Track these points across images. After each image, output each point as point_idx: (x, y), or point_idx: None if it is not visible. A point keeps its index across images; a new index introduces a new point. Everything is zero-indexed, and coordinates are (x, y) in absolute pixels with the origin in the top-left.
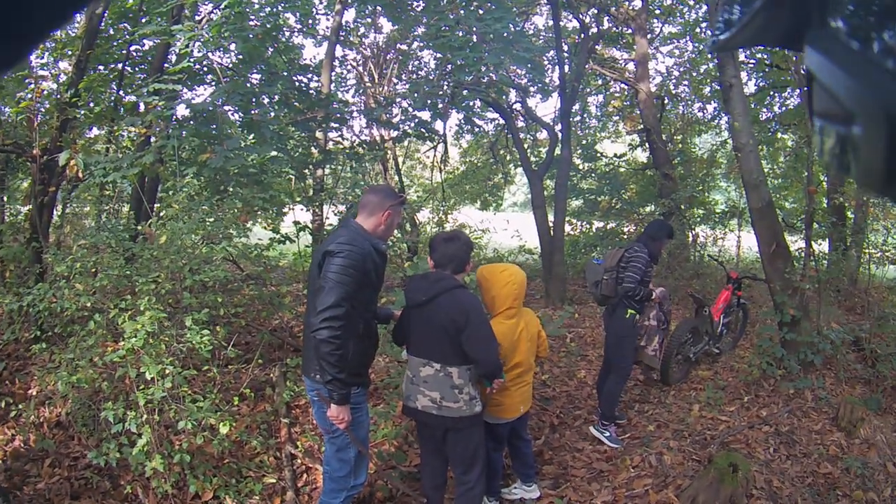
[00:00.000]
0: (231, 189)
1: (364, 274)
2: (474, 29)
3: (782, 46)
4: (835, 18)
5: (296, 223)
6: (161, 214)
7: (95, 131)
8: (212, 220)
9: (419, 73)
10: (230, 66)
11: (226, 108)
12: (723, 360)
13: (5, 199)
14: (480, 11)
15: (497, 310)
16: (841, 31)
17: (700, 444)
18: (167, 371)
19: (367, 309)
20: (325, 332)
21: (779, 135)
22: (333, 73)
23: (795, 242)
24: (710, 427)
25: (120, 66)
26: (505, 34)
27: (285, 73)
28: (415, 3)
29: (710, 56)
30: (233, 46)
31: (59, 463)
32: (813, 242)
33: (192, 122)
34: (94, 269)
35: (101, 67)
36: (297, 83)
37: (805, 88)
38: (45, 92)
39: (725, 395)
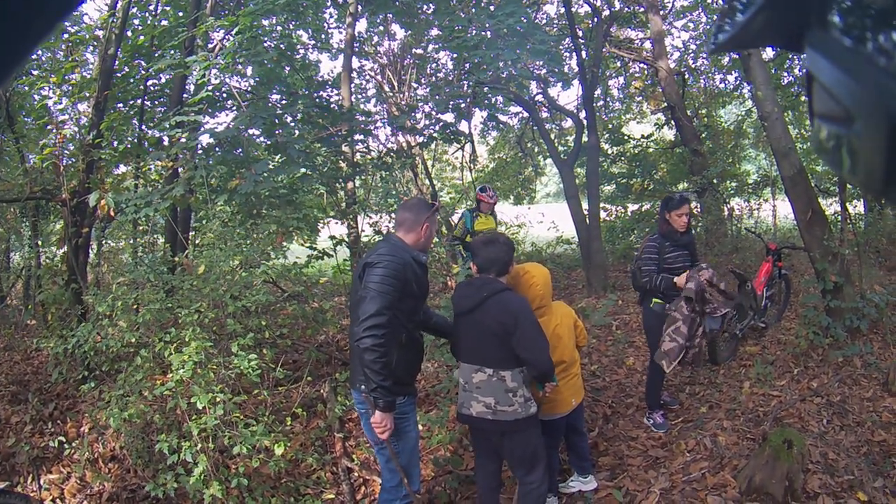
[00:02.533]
0: (264, 212)
1: (404, 283)
2: (487, 26)
3: (783, 48)
4: (835, 19)
5: (332, 237)
6: (197, 243)
7: (122, 168)
8: (248, 243)
9: (438, 75)
10: (249, 89)
11: (250, 131)
12: (769, 333)
13: (40, 243)
14: (491, 8)
15: None
16: (841, 32)
17: (753, 422)
18: (218, 399)
19: (410, 319)
20: (369, 341)
21: (802, 98)
22: (353, 85)
23: (830, 206)
24: (762, 403)
25: (139, 101)
26: (519, 28)
27: (305, 91)
28: (425, 7)
29: None
30: (249, 70)
31: (117, 497)
32: (848, 204)
33: (217, 150)
34: (135, 305)
35: (120, 105)
36: (317, 100)
37: (806, 90)
38: (68, 136)
39: (775, 369)
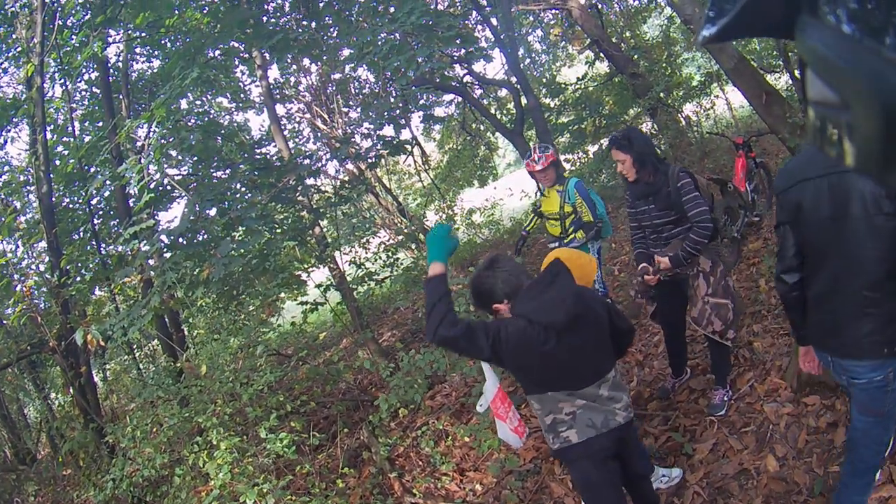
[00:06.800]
0: (243, 289)
1: None
2: (393, 30)
3: (774, 36)
4: (825, 4)
5: (318, 286)
6: (194, 339)
7: (98, 292)
8: (238, 327)
9: (363, 92)
10: (190, 171)
11: (205, 213)
12: (765, 224)
13: (48, 390)
14: (392, 9)
15: None
16: (832, 17)
17: (781, 317)
18: (265, 490)
19: None
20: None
21: None
22: (286, 132)
23: (779, 80)
24: None
25: (89, 225)
26: (423, 21)
27: (244, 155)
28: (325, 35)
29: None
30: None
31: None
32: (797, 72)
33: (182, 241)
34: (154, 429)
35: (75, 236)
36: (257, 160)
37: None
38: (34, 284)
39: None
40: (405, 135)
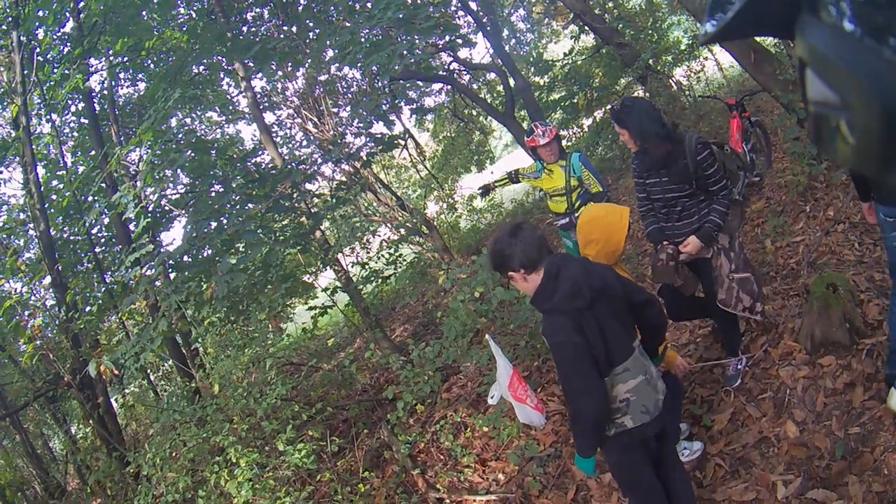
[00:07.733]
0: (248, 302)
1: None
2: (372, 26)
3: (775, 35)
4: (825, 5)
5: (324, 289)
6: (206, 358)
7: (108, 321)
8: (248, 340)
9: (351, 90)
10: (187, 188)
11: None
12: (767, 183)
13: (70, 422)
14: (369, 5)
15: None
16: (832, 18)
17: (790, 277)
18: (287, 502)
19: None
20: None
21: None
22: (278, 138)
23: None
24: (790, 255)
25: (92, 255)
26: (401, 16)
27: (238, 167)
28: (307, 41)
29: None
30: (180, 174)
31: None
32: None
33: (187, 259)
34: (174, 452)
35: (79, 267)
36: (253, 170)
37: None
38: (42, 323)
39: (787, 216)
40: (398, 128)
